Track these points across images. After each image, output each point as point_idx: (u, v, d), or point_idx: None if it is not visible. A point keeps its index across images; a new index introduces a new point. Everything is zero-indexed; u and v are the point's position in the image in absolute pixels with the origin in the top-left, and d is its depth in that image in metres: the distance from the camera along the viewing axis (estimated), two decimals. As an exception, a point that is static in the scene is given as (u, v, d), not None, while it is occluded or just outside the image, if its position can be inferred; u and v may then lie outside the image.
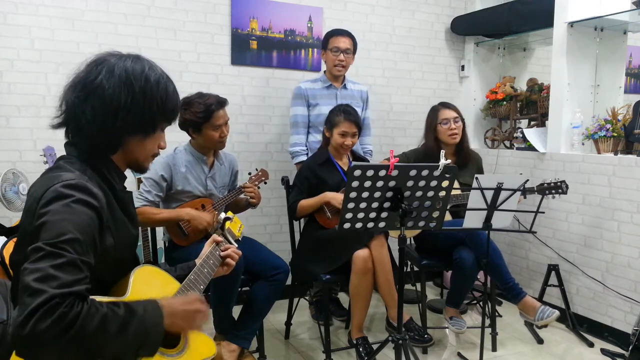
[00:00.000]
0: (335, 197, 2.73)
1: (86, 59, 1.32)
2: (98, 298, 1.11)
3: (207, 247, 1.59)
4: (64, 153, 1.32)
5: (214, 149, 2.63)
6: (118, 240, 1.29)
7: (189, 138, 2.61)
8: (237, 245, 1.66)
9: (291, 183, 2.95)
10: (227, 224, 1.66)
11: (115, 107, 1.24)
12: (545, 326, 2.78)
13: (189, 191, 2.53)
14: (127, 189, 1.42)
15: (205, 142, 2.55)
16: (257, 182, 2.68)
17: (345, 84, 3.26)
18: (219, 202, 2.59)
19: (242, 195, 2.66)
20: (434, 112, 3.03)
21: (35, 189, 1.20)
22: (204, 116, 2.46)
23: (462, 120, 3.00)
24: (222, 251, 1.59)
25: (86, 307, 1.03)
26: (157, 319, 1.15)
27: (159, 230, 2.79)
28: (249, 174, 2.72)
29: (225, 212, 1.75)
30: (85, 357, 1.04)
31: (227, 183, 2.73)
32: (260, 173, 2.71)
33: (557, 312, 2.65)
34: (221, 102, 2.52)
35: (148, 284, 1.32)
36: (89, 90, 1.24)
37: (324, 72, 3.27)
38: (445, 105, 3.03)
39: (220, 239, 1.61)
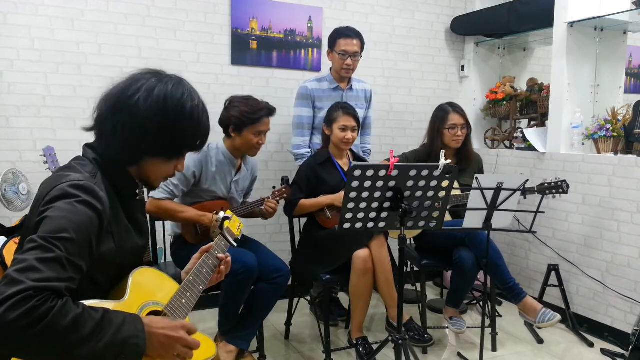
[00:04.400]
0: (339, 199, 2.70)
1: (129, 72, 1.31)
2: (94, 302, 1.09)
3: (198, 256, 1.54)
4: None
5: (245, 154, 2.62)
6: (120, 247, 1.28)
7: (222, 137, 2.59)
8: (236, 245, 1.65)
9: (291, 182, 2.95)
10: (226, 223, 1.64)
11: (144, 130, 1.25)
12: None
13: (213, 191, 2.53)
14: (139, 196, 1.41)
15: (241, 145, 2.53)
16: (278, 198, 2.68)
17: (351, 85, 3.19)
18: (238, 209, 2.58)
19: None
20: (443, 113, 2.96)
21: (44, 187, 1.21)
22: (253, 118, 2.46)
23: (469, 126, 2.97)
24: (218, 258, 1.55)
25: (60, 304, 1.00)
26: (136, 332, 1.10)
27: (159, 231, 2.79)
28: (273, 187, 2.73)
29: None
30: (55, 356, 1.01)
31: (246, 188, 2.74)
32: (284, 189, 2.70)
33: (558, 316, 2.63)
34: (271, 111, 2.54)
35: (147, 286, 1.32)
36: (122, 106, 1.25)
37: (330, 69, 3.18)
38: (455, 109, 2.95)
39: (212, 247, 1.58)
